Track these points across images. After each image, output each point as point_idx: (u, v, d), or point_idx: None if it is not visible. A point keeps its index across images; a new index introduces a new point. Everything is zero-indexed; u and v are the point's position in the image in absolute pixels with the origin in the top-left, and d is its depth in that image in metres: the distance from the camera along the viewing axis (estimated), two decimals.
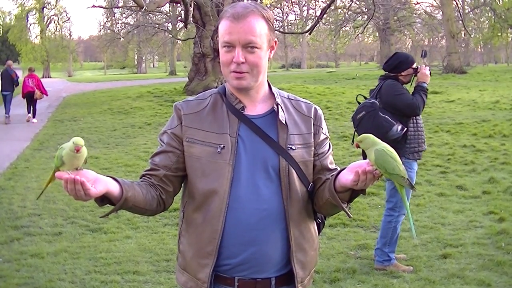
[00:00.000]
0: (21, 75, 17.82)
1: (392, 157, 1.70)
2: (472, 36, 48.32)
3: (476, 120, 13.51)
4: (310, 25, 28.03)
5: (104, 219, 5.83)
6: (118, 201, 1.72)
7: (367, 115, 4.47)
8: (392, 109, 4.46)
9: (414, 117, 4.55)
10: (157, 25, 31.05)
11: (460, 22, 35.40)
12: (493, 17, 41.84)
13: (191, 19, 21.02)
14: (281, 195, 1.83)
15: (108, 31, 42.42)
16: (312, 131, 1.93)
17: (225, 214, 1.80)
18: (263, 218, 1.81)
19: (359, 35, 42.16)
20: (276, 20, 39.01)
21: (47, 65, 60.03)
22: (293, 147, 1.86)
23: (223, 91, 1.92)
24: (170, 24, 35.77)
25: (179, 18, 30.09)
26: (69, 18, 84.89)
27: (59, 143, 11.59)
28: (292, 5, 44.09)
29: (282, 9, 46.21)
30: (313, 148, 1.92)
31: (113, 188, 1.70)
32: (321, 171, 1.94)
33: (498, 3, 39.66)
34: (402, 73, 4.60)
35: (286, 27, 43.26)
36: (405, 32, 50.52)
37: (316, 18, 23.69)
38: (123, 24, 38.56)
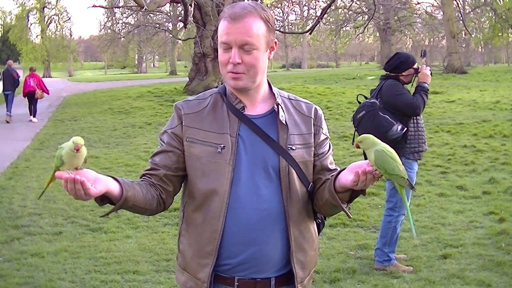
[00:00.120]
0: (21, 74, 17.85)
1: (392, 157, 1.70)
2: (472, 36, 48.33)
3: (477, 120, 13.50)
4: (310, 25, 28.03)
5: (104, 218, 5.85)
6: (118, 200, 1.72)
7: (367, 114, 4.47)
8: (392, 109, 4.46)
9: (415, 117, 4.55)
10: (158, 25, 31.06)
11: (461, 22, 35.38)
12: (493, 17, 41.82)
13: (192, 19, 21.03)
14: (281, 195, 1.83)
15: (109, 31, 42.42)
16: (312, 131, 1.93)
17: (225, 214, 1.80)
18: (263, 218, 1.81)
19: (360, 35, 42.14)
20: (277, 20, 39.00)
21: (47, 64, 60.07)
22: (293, 147, 1.86)
23: (224, 91, 1.92)
24: (170, 24, 35.77)
25: (179, 18, 30.09)
26: (69, 18, 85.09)
27: (60, 142, 11.56)
28: (292, 5, 44.07)
29: (282, 9, 46.17)
30: (313, 148, 1.92)
31: (113, 187, 1.70)
32: (321, 171, 1.94)
33: (499, 3, 39.63)
34: (403, 73, 4.60)
35: (286, 27, 43.24)
36: (406, 32, 50.49)
37: (317, 18, 23.68)
38: (123, 24, 38.56)
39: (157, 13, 32.23)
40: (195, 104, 1.91)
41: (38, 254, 5.08)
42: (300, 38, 46.05)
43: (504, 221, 5.85)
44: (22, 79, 17.27)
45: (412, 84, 4.70)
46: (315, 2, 42.96)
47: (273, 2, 32.14)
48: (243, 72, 1.80)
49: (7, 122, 16.23)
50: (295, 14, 50.19)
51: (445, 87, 21.98)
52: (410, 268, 4.63)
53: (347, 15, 38.14)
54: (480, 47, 62.43)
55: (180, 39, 39.51)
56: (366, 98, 4.73)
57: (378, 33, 50.22)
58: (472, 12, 46.33)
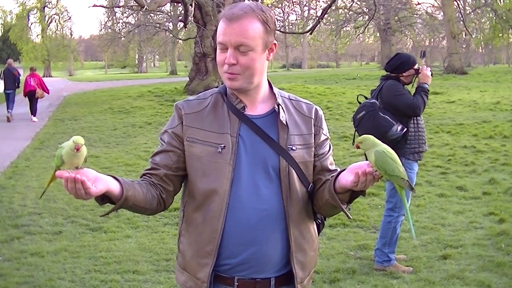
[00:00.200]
0: (22, 74, 17.89)
1: (392, 158, 1.70)
2: (473, 36, 48.34)
3: (477, 121, 13.50)
4: (311, 25, 28.03)
5: (104, 218, 5.86)
6: (119, 200, 1.72)
7: (367, 114, 4.47)
8: (392, 110, 4.46)
9: (415, 118, 4.55)
10: (158, 25, 31.09)
11: (461, 22, 35.37)
12: (494, 17, 41.82)
13: (192, 18, 21.03)
14: (281, 195, 1.84)
15: (109, 30, 42.48)
16: (313, 131, 1.93)
17: (225, 214, 1.80)
18: (263, 218, 1.81)
19: (360, 35, 42.19)
20: (277, 20, 39.01)
21: (48, 64, 60.09)
22: (293, 148, 1.86)
23: (224, 91, 1.92)
24: (171, 24, 35.79)
25: (180, 17, 30.08)
26: (70, 17, 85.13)
27: (60, 142, 11.55)
28: (293, 5, 44.08)
29: (283, 9, 46.18)
30: (313, 149, 1.92)
31: (114, 187, 1.70)
32: (321, 172, 1.94)
33: (499, 3, 39.63)
34: (404, 74, 4.60)
35: (287, 27, 43.26)
36: (406, 32, 50.51)
37: (317, 18, 23.68)
38: (124, 24, 38.60)
39: (158, 13, 32.26)
40: (195, 104, 1.91)
41: (38, 253, 5.08)
42: (301, 38, 46.05)
43: (504, 221, 5.85)
44: (22, 78, 17.29)
45: (413, 85, 4.70)
46: (316, 2, 43.02)
47: (273, 2, 32.14)
48: (239, 73, 1.80)
49: (8, 120, 16.27)
50: (296, 14, 50.24)
51: (445, 88, 21.98)
52: (410, 269, 4.63)
53: (347, 15, 38.16)
54: (480, 47, 62.41)
55: (180, 39, 39.51)
56: (366, 98, 4.74)
57: (378, 34, 50.24)
58: (472, 13, 46.34)
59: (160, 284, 4.43)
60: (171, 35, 37.26)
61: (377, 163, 1.69)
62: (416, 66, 4.64)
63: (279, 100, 1.91)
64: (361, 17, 38.01)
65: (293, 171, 1.85)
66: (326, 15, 24.99)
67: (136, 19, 37.53)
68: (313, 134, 1.93)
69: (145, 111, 17.49)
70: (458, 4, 35.89)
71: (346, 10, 36.21)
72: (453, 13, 34.67)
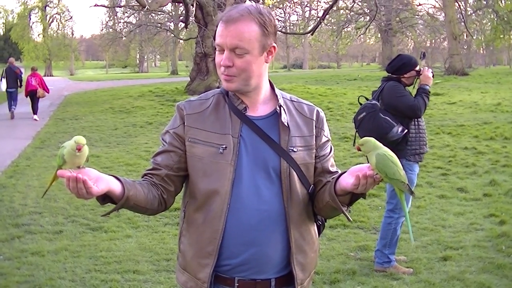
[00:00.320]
0: (23, 72, 17.95)
1: (393, 161, 1.70)
2: (474, 38, 48.32)
3: (478, 122, 13.50)
4: (312, 26, 28.04)
5: (104, 217, 5.86)
6: (120, 199, 1.72)
7: (367, 116, 4.47)
8: (393, 111, 4.46)
9: (416, 119, 4.55)
10: (159, 25, 31.13)
11: (462, 23, 35.36)
12: (495, 19, 41.80)
13: (193, 18, 21.05)
14: (282, 196, 1.84)
15: (110, 30, 42.53)
16: (314, 133, 1.93)
17: (226, 215, 1.81)
18: (263, 219, 1.81)
19: (361, 36, 42.20)
20: (278, 21, 39.03)
21: (49, 63, 60.16)
22: (294, 149, 1.86)
23: (226, 92, 1.92)
24: (172, 24, 35.84)
25: (181, 17, 30.09)
26: (71, 17, 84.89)
27: (61, 141, 11.61)
28: (294, 5, 44.10)
29: (284, 10, 46.20)
30: (314, 151, 1.92)
31: (115, 186, 1.70)
32: (322, 173, 1.94)
33: (501, 5, 39.60)
34: (405, 75, 4.60)
35: (288, 28, 43.27)
36: (407, 33, 50.53)
37: (319, 19, 23.67)
38: (125, 23, 38.67)
39: (159, 13, 32.30)
40: (197, 104, 1.91)
41: (38, 252, 5.09)
42: (302, 38, 46.08)
43: (504, 223, 5.85)
44: (24, 77, 17.35)
45: (414, 86, 4.70)
46: (317, 3, 43.00)
47: (274, 2, 32.15)
48: (235, 75, 1.80)
49: (12, 117, 16.55)
50: (297, 14, 50.21)
51: (446, 89, 21.96)
52: (410, 270, 4.63)
53: (348, 16, 38.17)
54: (481, 49, 62.39)
55: (181, 39, 39.51)
56: (367, 99, 4.74)
57: (379, 34, 50.24)
58: (474, 14, 46.35)
59: (160, 284, 4.43)
60: (172, 35, 37.32)
61: (378, 166, 1.69)
62: (417, 68, 4.64)
63: (281, 102, 1.91)
64: (362, 17, 38.02)
65: (294, 172, 1.85)
66: (327, 16, 24.99)
67: (137, 19, 37.57)
68: (314, 136, 1.93)
69: (146, 111, 17.50)
70: (459, 5, 35.84)
71: (347, 10, 36.23)
72: (454, 14, 34.65)
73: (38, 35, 62.86)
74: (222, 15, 1.81)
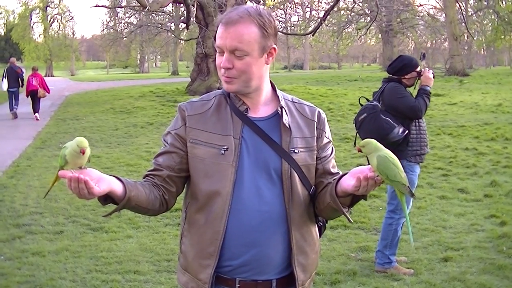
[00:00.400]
0: (24, 72, 18.01)
1: (394, 164, 1.71)
2: (475, 38, 48.29)
3: (479, 123, 13.50)
4: (313, 27, 28.05)
5: (105, 218, 5.86)
6: (121, 200, 1.72)
7: (368, 117, 4.47)
8: (394, 112, 4.46)
9: (417, 120, 4.55)
10: (160, 25, 31.13)
11: (463, 24, 35.36)
12: (496, 19, 41.78)
13: (194, 19, 21.04)
14: (283, 198, 1.84)
15: (111, 30, 42.54)
16: (315, 134, 1.94)
17: (227, 216, 1.81)
18: (264, 220, 1.82)
19: (362, 36, 42.16)
20: (279, 21, 39.04)
21: (50, 64, 60.25)
22: (295, 151, 1.86)
23: (227, 93, 1.92)
24: (172, 24, 35.86)
25: (182, 18, 30.12)
26: (72, 17, 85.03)
27: (61, 141, 11.63)
28: (295, 6, 44.11)
29: (285, 10, 46.22)
30: (315, 152, 1.93)
31: (117, 187, 1.71)
32: (323, 175, 1.94)
33: (502, 5, 39.59)
34: (406, 76, 4.60)
35: (289, 28, 43.29)
36: (408, 34, 50.50)
37: (320, 19, 23.68)
38: (126, 24, 38.68)
39: (160, 13, 32.29)
40: (199, 105, 1.92)
41: (39, 253, 5.09)
42: (302, 39, 46.09)
43: (505, 224, 5.84)
44: (24, 77, 17.40)
45: (415, 87, 4.70)
46: (318, 4, 43.01)
47: (275, 3, 32.16)
48: (235, 77, 1.81)
49: (15, 117, 16.67)
50: (298, 15, 50.23)
51: (447, 90, 21.96)
52: (411, 271, 4.63)
53: (349, 16, 38.17)
54: (482, 49, 62.35)
55: (182, 39, 39.55)
56: (368, 100, 4.74)
57: (380, 35, 50.22)
58: (474, 15, 46.32)
59: (161, 285, 4.43)
60: (173, 35, 37.32)
61: (379, 168, 1.69)
62: (418, 69, 4.64)
63: (282, 103, 1.91)
64: (363, 18, 38.01)
65: (295, 173, 1.86)
66: (328, 16, 24.99)
67: (138, 19, 37.57)
68: (315, 137, 1.93)
69: (146, 111, 17.50)
70: (460, 6, 35.85)
71: (348, 11, 36.24)
72: (455, 15, 34.65)
73: (39, 35, 63.10)
74: (222, 17, 1.81)
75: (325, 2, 39.64)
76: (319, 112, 1.99)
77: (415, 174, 4.59)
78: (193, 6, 19.97)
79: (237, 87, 1.83)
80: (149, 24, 31.21)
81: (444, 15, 38.86)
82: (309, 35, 26.58)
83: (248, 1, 23.32)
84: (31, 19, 60.83)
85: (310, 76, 39.53)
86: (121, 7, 34.66)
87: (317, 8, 45.89)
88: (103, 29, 55.11)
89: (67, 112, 17.96)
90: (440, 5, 44.30)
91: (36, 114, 16.67)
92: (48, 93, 17.43)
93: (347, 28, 41.49)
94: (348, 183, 1.74)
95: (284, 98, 1.95)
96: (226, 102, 1.91)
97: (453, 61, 33.50)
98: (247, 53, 1.78)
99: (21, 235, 5.63)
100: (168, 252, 5.14)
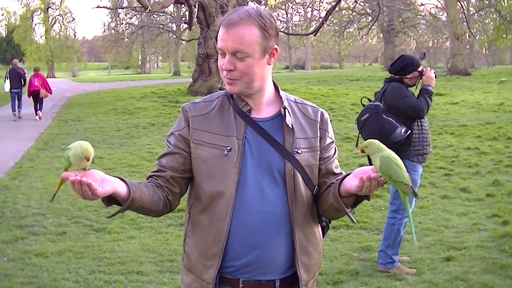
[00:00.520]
0: (26, 73, 18.09)
1: (397, 164, 1.71)
2: (476, 38, 48.18)
3: (480, 122, 13.48)
4: (314, 26, 28.03)
5: (108, 219, 5.87)
6: (125, 201, 1.73)
7: (370, 117, 4.47)
8: (396, 112, 4.46)
9: (419, 120, 4.55)
10: (161, 26, 31.13)
11: (465, 23, 35.34)
12: (498, 18, 41.67)
13: (195, 20, 21.05)
14: (286, 198, 1.85)
15: (113, 31, 42.55)
16: (318, 135, 1.94)
17: (230, 216, 1.81)
18: (268, 220, 1.82)
19: (363, 36, 42.11)
20: (281, 22, 39.02)
21: (51, 65, 60.29)
22: (299, 151, 1.87)
23: (230, 94, 1.92)
24: (174, 25, 35.87)
25: (183, 18, 30.15)
26: (73, 19, 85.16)
27: (64, 142, 11.66)
28: (297, 6, 44.07)
29: (286, 10, 46.18)
30: (318, 152, 1.93)
31: (120, 188, 1.71)
32: (326, 175, 1.95)
33: (503, 4, 39.49)
34: (408, 76, 4.60)
35: (290, 29, 43.25)
36: (410, 33, 50.45)
37: (321, 19, 23.66)
38: (127, 25, 38.67)
39: (161, 14, 32.30)
40: (202, 106, 1.92)
41: (42, 254, 5.10)
42: (304, 39, 46.08)
43: (507, 223, 5.84)
44: (27, 77, 17.47)
45: (417, 87, 4.70)
46: (319, 4, 42.97)
47: (277, 3, 32.16)
48: (237, 79, 1.81)
49: (19, 118, 16.81)
50: (299, 15, 50.19)
51: (448, 89, 21.94)
52: (413, 271, 4.63)
53: (350, 16, 38.12)
54: (484, 48, 62.23)
55: (183, 40, 39.58)
56: (370, 100, 4.74)
57: (381, 35, 50.18)
58: (476, 14, 46.21)
59: (164, 285, 4.44)
60: (174, 36, 37.32)
61: (382, 168, 1.70)
62: (420, 68, 4.64)
63: (285, 103, 1.91)
64: (365, 18, 37.97)
65: (298, 174, 1.86)
66: (329, 16, 24.98)
67: (139, 20, 37.53)
68: (318, 138, 1.94)
69: (148, 112, 17.52)
70: (461, 5, 35.81)
71: (349, 11, 36.20)
72: (457, 14, 34.61)
73: (41, 36, 63.02)
74: (223, 19, 1.81)
75: (326, 2, 39.59)
76: (322, 112, 1.99)
77: (417, 174, 4.59)
78: (194, 6, 19.98)
79: (240, 88, 1.84)
80: (150, 25, 31.20)
81: (445, 14, 38.80)
82: (311, 35, 26.57)
83: (250, 1, 23.32)
84: (32, 20, 60.88)
85: (311, 76, 39.54)
86: (123, 8, 34.69)
87: (318, 8, 45.87)
88: (105, 30, 55.30)
89: (69, 113, 17.99)
90: (441, 4, 44.25)
91: (39, 112, 16.80)
92: (50, 93, 17.50)
93: (348, 27, 41.42)
94: (351, 183, 1.75)
95: (287, 99, 1.95)
96: (229, 103, 1.91)
97: (455, 60, 33.45)
98: (249, 55, 1.78)
99: (24, 236, 5.64)
100: (171, 252, 5.15)
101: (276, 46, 1.85)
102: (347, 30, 42.18)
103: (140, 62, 69.34)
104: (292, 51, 64.98)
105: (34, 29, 61.85)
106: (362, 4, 34.86)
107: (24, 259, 4.98)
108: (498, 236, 5.45)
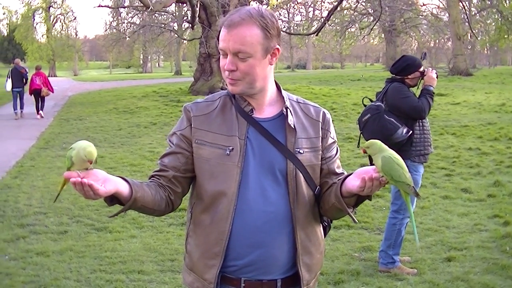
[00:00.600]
0: (28, 72, 18.14)
1: (399, 164, 1.71)
2: (478, 38, 48.16)
3: (482, 122, 13.48)
4: (316, 26, 28.03)
5: (109, 218, 5.87)
6: (127, 201, 1.74)
7: (372, 117, 4.47)
8: (397, 112, 4.46)
9: (420, 120, 4.55)
10: (163, 25, 31.13)
11: (467, 24, 35.27)
12: (499, 19, 41.67)
13: (197, 19, 21.05)
14: (288, 198, 1.85)
15: (114, 30, 42.63)
16: (320, 135, 1.94)
17: (232, 216, 1.82)
18: (269, 220, 1.82)
19: (365, 36, 42.13)
20: (282, 21, 39.01)
21: (53, 64, 60.30)
22: (300, 151, 1.87)
23: (232, 94, 1.93)
24: (175, 24, 35.85)
25: (185, 18, 30.14)
26: (75, 18, 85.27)
27: (65, 142, 11.67)
28: (298, 6, 44.06)
29: (288, 10, 46.19)
30: (320, 152, 1.93)
31: (123, 188, 1.72)
32: (328, 175, 1.95)
33: (505, 5, 39.48)
34: (409, 76, 4.60)
35: (292, 28, 43.25)
36: (411, 33, 50.46)
37: (323, 19, 23.67)
38: (129, 24, 38.74)
39: (163, 13, 32.29)
40: (204, 106, 1.93)
41: (43, 253, 5.11)
42: (305, 39, 46.05)
43: (508, 224, 5.84)
44: (28, 76, 17.51)
45: (418, 87, 4.70)
46: (321, 4, 42.96)
47: (279, 3, 32.16)
48: (239, 79, 1.82)
49: (21, 117, 16.83)
50: (301, 15, 50.18)
51: (450, 89, 21.93)
52: (414, 271, 4.63)
53: (352, 16, 38.13)
54: (485, 49, 62.20)
55: (185, 39, 39.57)
56: (371, 101, 4.74)
57: (383, 35, 50.18)
58: (478, 14, 46.20)
59: (165, 284, 4.44)
60: (176, 35, 37.35)
61: (384, 168, 1.70)
62: (421, 69, 4.64)
63: (287, 103, 1.92)
64: (366, 18, 37.98)
65: (300, 174, 1.86)
66: (331, 16, 24.96)
67: (141, 19, 37.55)
68: (320, 138, 1.94)
69: (150, 111, 17.53)
70: (463, 6, 35.78)
71: (351, 11, 36.20)
72: (459, 15, 34.58)
73: (42, 35, 63.05)
74: (224, 19, 1.82)
75: (328, 2, 39.56)
76: (324, 112, 1.99)
77: (419, 174, 4.59)
78: (197, 6, 19.98)
79: (242, 88, 1.84)
80: (152, 24, 31.21)
81: (447, 14, 38.74)
82: (313, 34, 26.56)
83: (252, 1, 23.31)
84: (34, 19, 60.90)
85: (313, 76, 39.52)
86: (124, 7, 34.71)
87: (320, 8, 45.86)
88: (106, 29, 55.17)
89: (70, 112, 18.00)
90: (443, 5, 44.23)
91: (41, 111, 16.86)
92: (52, 92, 17.54)
93: (350, 27, 41.46)
94: (353, 183, 1.75)
95: (289, 99, 1.95)
96: (231, 102, 1.91)
97: (456, 60, 33.44)
98: (250, 55, 1.78)
99: (25, 235, 5.65)
100: (172, 252, 5.15)
101: (277, 46, 1.85)
102: (349, 30, 42.21)
103: (141, 61, 69.38)
104: (294, 51, 64.99)
105: (35, 28, 61.92)
106: (364, 4, 34.87)
107: (26, 258, 4.98)
108: (499, 236, 5.45)
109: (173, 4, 26.13)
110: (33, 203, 6.84)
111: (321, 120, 1.96)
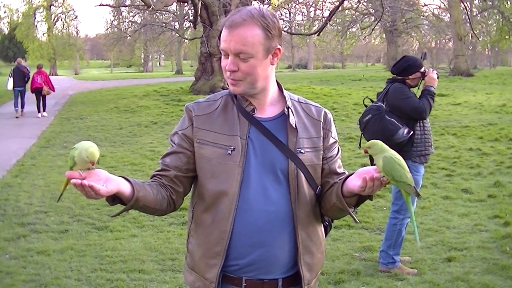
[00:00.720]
0: (30, 71, 18.17)
1: (400, 164, 1.72)
2: (479, 39, 48.13)
3: (483, 123, 13.48)
4: (317, 26, 28.03)
5: (110, 217, 5.88)
6: (129, 200, 1.74)
7: (373, 118, 4.48)
8: (398, 113, 4.47)
9: (421, 121, 4.55)
10: (164, 24, 31.18)
11: (468, 24, 35.27)
12: (501, 20, 41.66)
13: (199, 18, 21.06)
14: (289, 198, 1.85)
15: (115, 29, 42.65)
16: (322, 135, 1.95)
17: (234, 216, 1.82)
18: (271, 220, 1.83)
19: (366, 36, 42.11)
20: (284, 21, 38.99)
21: (54, 62, 60.31)
22: (302, 151, 1.87)
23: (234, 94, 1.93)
24: (177, 23, 35.89)
25: (186, 17, 30.16)
26: (76, 16, 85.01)
27: (66, 140, 11.68)
28: (300, 5, 44.03)
29: (289, 10, 46.16)
30: (322, 152, 1.94)
31: (125, 188, 1.72)
32: (329, 174, 1.95)
33: (506, 5, 39.46)
34: (410, 77, 4.60)
35: (293, 28, 43.24)
36: (412, 34, 50.42)
37: (325, 19, 23.66)
38: (130, 23, 38.76)
39: (164, 12, 32.37)
40: (205, 106, 1.93)
41: (44, 251, 5.12)
42: (307, 38, 46.03)
43: (509, 224, 5.85)
44: (30, 75, 17.55)
45: (419, 88, 4.70)
46: (322, 4, 42.95)
47: (280, 3, 32.15)
48: (240, 79, 1.82)
49: (22, 115, 16.89)
50: (302, 15, 50.15)
51: (451, 90, 21.92)
52: (415, 271, 4.64)
53: (353, 16, 38.11)
54: (486, 50, 62.15)
55: (186, 39, 39.61)
56: (372, 101, 4.74)
57: (384, 35, 50.17)
58: (479, 15, 46.17)
59: (165, 284, 4.45)
60: (177, 34, 37.33)
61: (385, 169, 1.70)
62: (422, 69, 4.65)
63: (289, 103, 1.92)
64: (367, 18, 37.96)
65: (302, 174, 1.87)
66: (333, 16, 24.95)
67: (142, 18, 37.58)
68: (321, 137, 1.94)
69: (151, 110, 17.53)
70: (465, 6, 35.76)
71: (352, 11, 36.18)
72: (460, 15, 34.57)
73: (43, 34, 63.09)
74: (225, 19, 1.82)
75: (329, 2, 39.54)
76: (325, 112, 2.00)
77: (419, 175, 4.60)
78: (198, 5, 19.98)
79: (243, 89, 1.84)
80: (153, 23, 31.25)
81: (448, 15, 38.75)
82: (314, 34, 26.56)
83: (253, 1, 23.31)
84: (35, 18, 60.92)
85: (314, 76, 39.53)
86: (125, 6, 34.70)
87: (321, 8, 45.84)
88: (107, 28, 55.19)
89: (71, 111, 18.01)
90: (444, 5, 44.22)
91: (43, 111, 16.98)
92: (53, 90, 17.56)
93: (351, 27, 41.45)
94: (354, 183, 1.76)
95: (290, 98, 1.96)
96: (232, 102, 1.92)
97: (458, 61, 33.44)
98: (252, 56, 1.79)
99: (26, 234, 5.66)
100: (173, 251, 5.16)
101: (279, 46, 1.86)
102: (350, 30, 42.21)
103: (142, 61, 69.39)
104: (295, 51, 64.98)
105: (36, 26, 61.93)
106: (365, 4, 34.83)
107: (26, 257, 4.99)
108: (499, 237, 5.45)
109: (175, 3, 26.14)
110: (34, 202, 6.85)
111: (322, 120, 1.97)
